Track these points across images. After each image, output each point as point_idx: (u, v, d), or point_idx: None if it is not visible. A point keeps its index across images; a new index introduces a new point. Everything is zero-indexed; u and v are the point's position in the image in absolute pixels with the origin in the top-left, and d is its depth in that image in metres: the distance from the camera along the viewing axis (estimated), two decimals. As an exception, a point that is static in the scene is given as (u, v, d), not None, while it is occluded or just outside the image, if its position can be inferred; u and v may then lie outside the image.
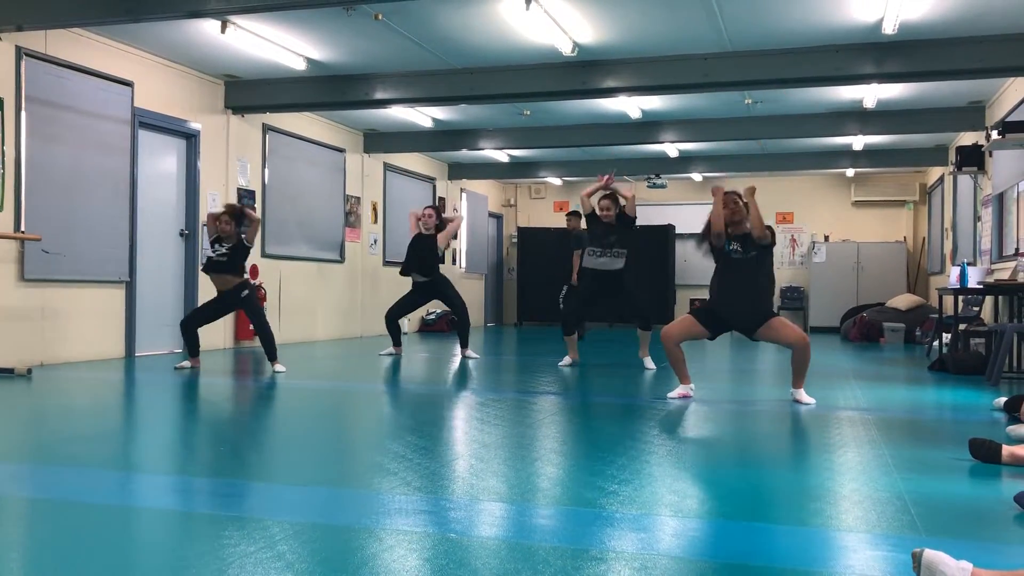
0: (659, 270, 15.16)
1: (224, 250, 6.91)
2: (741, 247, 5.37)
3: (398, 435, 4.23)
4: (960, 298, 8.74)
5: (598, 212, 7.42)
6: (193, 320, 7.15)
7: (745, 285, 5.37)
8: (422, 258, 8.46)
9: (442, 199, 14.32)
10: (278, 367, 6.95)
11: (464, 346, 8.59)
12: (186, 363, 7.06)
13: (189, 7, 6.31)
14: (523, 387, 6.41)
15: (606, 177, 7.48)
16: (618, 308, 7.82)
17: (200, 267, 8.64)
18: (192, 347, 7.10)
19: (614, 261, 7.38)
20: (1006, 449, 3.55)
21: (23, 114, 6.91)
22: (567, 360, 7.75)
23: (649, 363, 7.55)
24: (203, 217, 8.85)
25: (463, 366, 7.87)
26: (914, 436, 4.51)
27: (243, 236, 6.98)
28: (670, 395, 5.58)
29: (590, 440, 4.26)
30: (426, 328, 13.18)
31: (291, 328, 10.42)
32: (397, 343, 8.73)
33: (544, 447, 4.00)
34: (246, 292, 7.03)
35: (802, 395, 5.39)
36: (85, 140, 7.52)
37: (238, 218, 6.98)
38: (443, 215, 8.97)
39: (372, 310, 12.31)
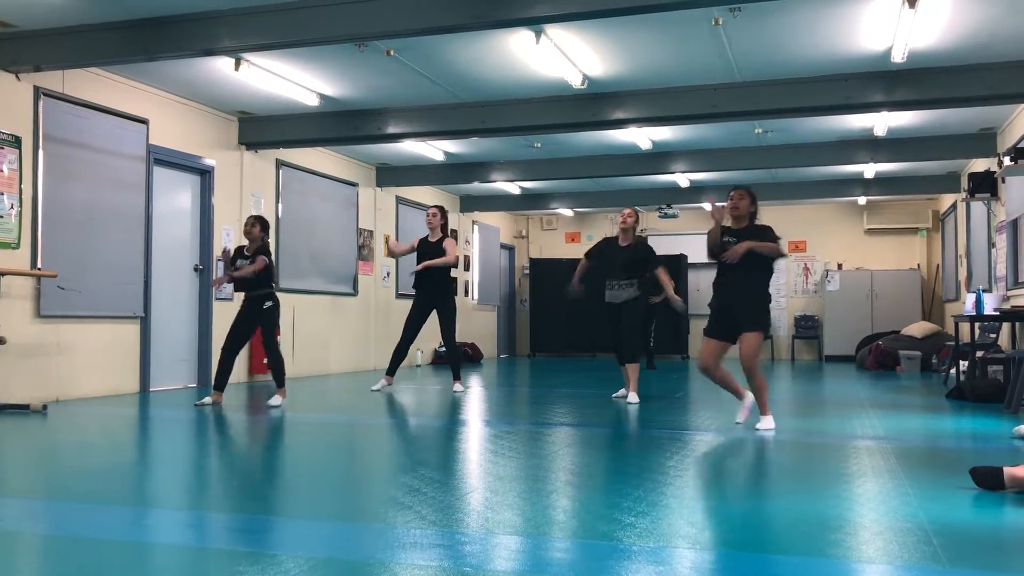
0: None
1: (247, 261, 6.86)
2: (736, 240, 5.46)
3: (412, 468, 4.21)
4: (976, 325, 8.67)
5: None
6: (229, 345, 6.90)
7: (735, 282, 5.51)
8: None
9: (454, 231, 14.36)
10: (275, 400, 6.84)
11: (455, 378, 8.43)
12: (208, 399, 6.82)
13: (203, 45, 6.41)
14: (537, 419, 6.38)
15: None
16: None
17: (215, 290, 8.74)
18: (221, 380, 6.89)
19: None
20: (1007, 472, 3.49)
21: (40, 152, 7.00)
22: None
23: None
24: (217, 252, 8.91)
25: (469, 399, 7.83)
26: (934, 465, 4.46)
27: (265, 242, 6.99)
28: (737, 421, 5.73)
29: (605, 472, 4.23)
30: (439, 360, 13.17)
31: (304, 361, 10.43)
32: (391, 371, 8.32)
33: (559, 479, 3.97)
34: (269, 304, 6.91)
35: (765, 420, 5.54)
36: (101, 177, 7.60)
37: (263, 223, 7.03)
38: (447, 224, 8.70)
39: (385, 343, 12.29)
